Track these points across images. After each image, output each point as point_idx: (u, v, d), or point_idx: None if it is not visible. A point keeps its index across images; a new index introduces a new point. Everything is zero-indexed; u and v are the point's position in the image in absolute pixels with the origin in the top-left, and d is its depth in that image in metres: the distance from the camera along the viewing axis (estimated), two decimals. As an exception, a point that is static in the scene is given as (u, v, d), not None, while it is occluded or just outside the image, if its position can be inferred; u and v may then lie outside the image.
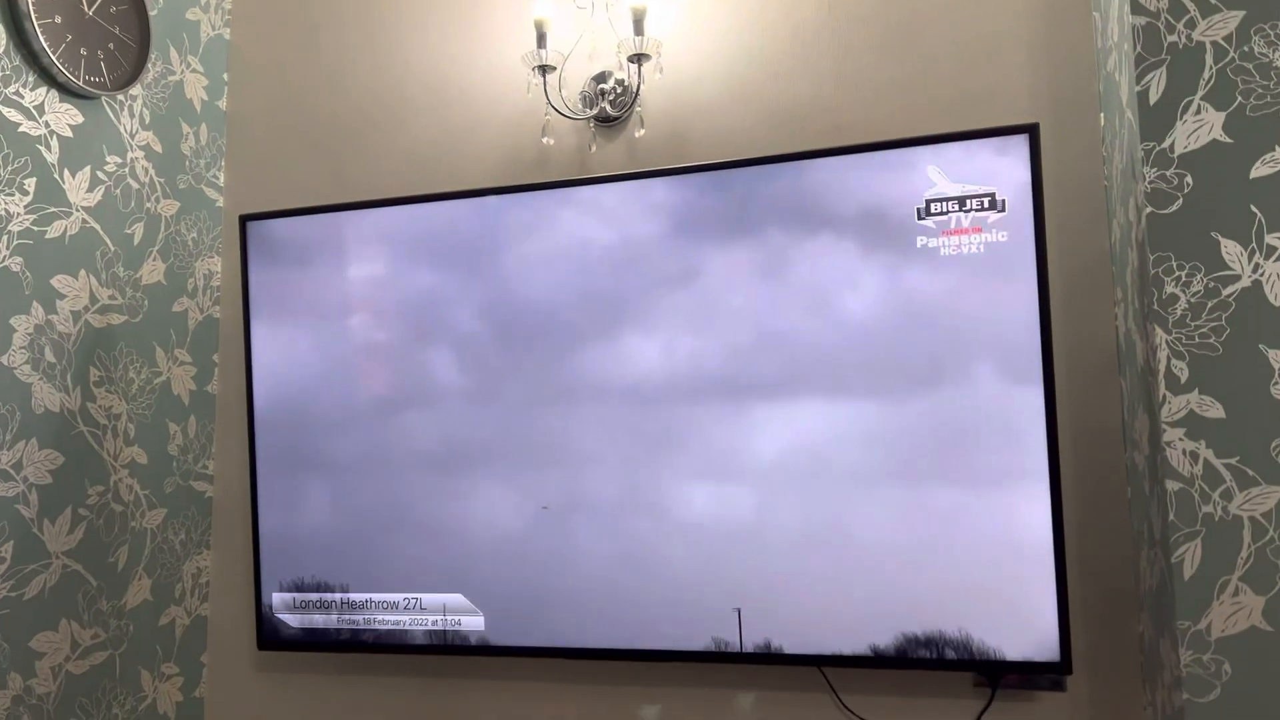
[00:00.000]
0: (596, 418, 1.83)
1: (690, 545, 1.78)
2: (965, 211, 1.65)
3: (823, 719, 1.86)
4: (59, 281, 1.86)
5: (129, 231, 2.00)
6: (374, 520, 1.97)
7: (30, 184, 1.79)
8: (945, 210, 1.66)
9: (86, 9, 1.85)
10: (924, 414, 1.66)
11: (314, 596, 2.01)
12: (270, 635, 2.03)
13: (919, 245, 1.67)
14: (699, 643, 1.78)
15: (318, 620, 2.00)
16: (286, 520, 2.03)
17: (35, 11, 1.74)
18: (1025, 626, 1.61)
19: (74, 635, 1.85)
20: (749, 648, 1.75)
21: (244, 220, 2.05)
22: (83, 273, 1.90)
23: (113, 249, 1.95)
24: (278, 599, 2.03)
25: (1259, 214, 1.35)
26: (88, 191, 1.91)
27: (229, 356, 2.27)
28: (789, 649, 1.73)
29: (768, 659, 1.75)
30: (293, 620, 2.02)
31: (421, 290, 1.95)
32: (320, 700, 2.16)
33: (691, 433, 1.78)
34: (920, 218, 1.67)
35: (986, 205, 1.64)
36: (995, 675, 1.74)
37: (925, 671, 1.76)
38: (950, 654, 1.65)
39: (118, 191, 1.98)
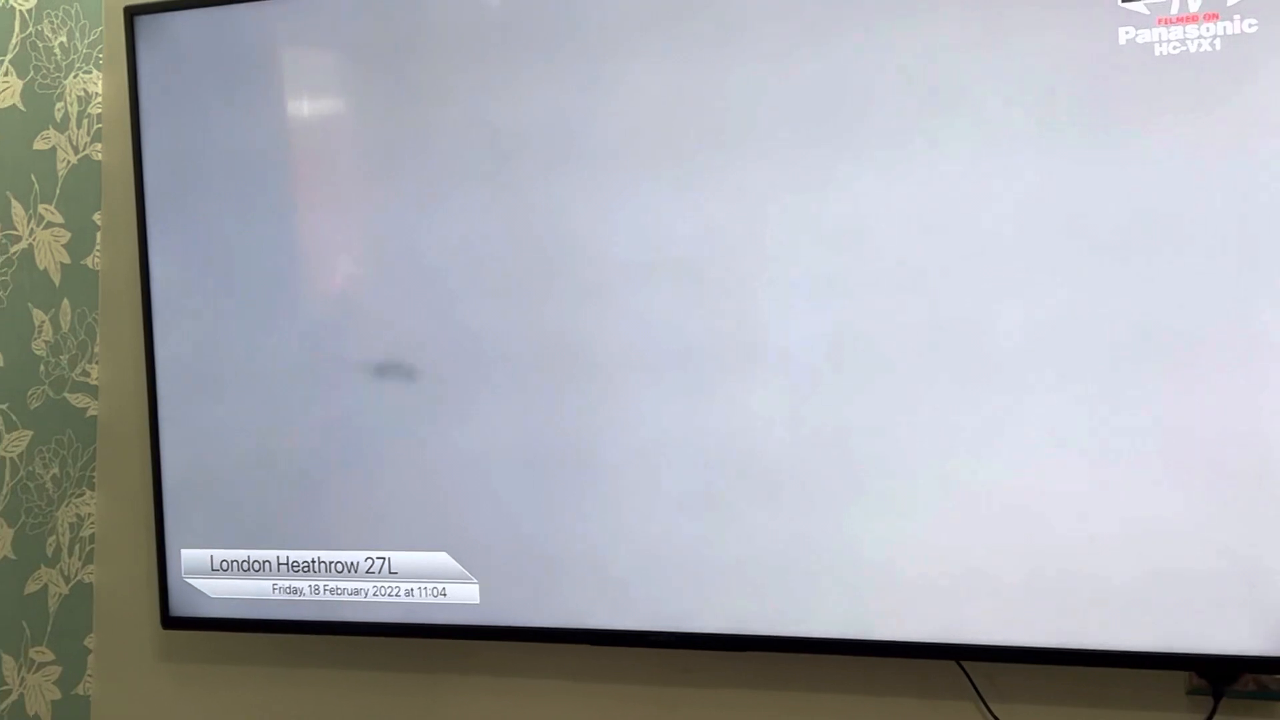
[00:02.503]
0: (634, 305, 1.82)
1: (766, 490, 1.78)
2: None
3: None
4: None
5: (-33, 33, 1.97)
6: (323, 449, 1.98)
7: None
8: (1164, -13, 1.60)
9: None
10: (1120, 304, 1.63)
11: (240, 555, 2.02)
12: (180, 610, 2.06)
13: (1122, 41, 1.62)
14: (778, 625, 1.79)
15: (246, 589, 2.02)
16: (201, 449, 2.04)
17: None
18: (1264, 608, 1.59)
19: (-99, 604, 1.87)
20: (851, 634, 1.76)
21: (131, 13, 2.02)
22: (-98, 90, 1.88)
23: (-56, 58, 1.93)
24: (189, 559, 2.05)
25: None
26: (-94, -28, 1.89)
27: (116, 218, 2.26)
28: (913, 636, 1.73)
29: (881, 649, 1.75)
30: (210, 589, 2.04)
31: (388, 113, 1.93)
32: (250, 700, 2.19)
33: (772, 327, 1.77)
34: None
35: (1226, -21, 1.58)
36: (1219, 677, 1.72)
37: (1115, 671, 1.75)
38: (1151, 645, 1.64)
39: (-50, -26, 1.95)
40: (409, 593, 1.95)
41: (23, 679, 2.11)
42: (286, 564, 2.01)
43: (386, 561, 1.96)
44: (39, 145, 2.13)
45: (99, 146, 2.27)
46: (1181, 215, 1.60)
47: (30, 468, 2.11)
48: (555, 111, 1.84)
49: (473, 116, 1.88)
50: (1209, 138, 1.58)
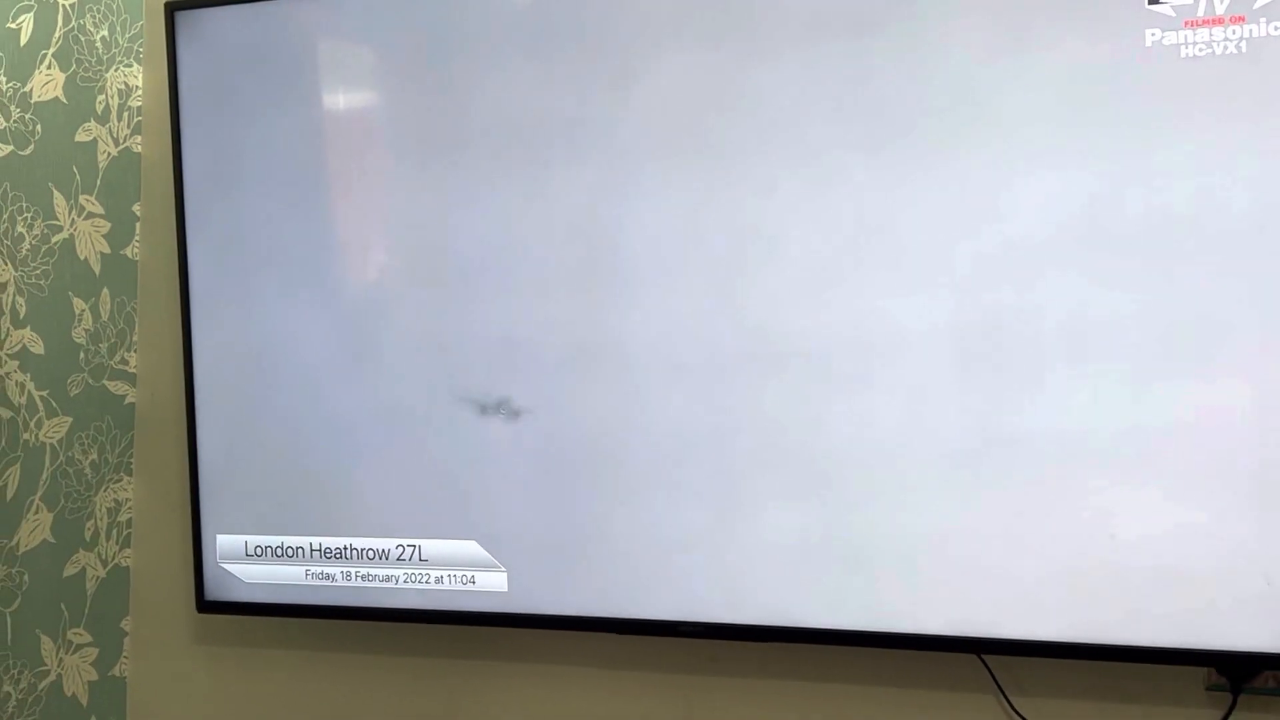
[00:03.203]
0: (660, 301, 1.83)
1: (789, 485, 1.78)
2: None
3: None
4: (-83, 94, 1.84)
5: (13, 26, 1.99)
6: (356, 438, 1.99)
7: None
8: (1191, -11, 1.59)
9: None
10: (1138, 284, 1.63)
11: (274, 541, 2.04)
12: (214, 594, 2.07)
13: (1148, 43, 1.61)
14: (802, 617, 1.79)
15: (279, 574, 2.04)
16: (237, 437, 2.06)
17: None
18: None
19: (-54, 585, 1.88)
20: (873, 626, 1.77)
21: (171, 9, 2.03)
22: (-51, 83, 1.90)
23: (-10, 50, 1.95)
24: (224, 544, 2.06)
25: None
26: (-47, -31, 1.89)
27: (155, 209, 2.27)
28: (935, 629, 1.73)
29: (903, 642, 1.76)
30: (244, 574, 2.06)
31: (421, 108, 1.94)
32: (282, 683, 2.21)
33: (794, 325, 1.77)
34: (1152, 1, 1.61)
35: (1253, -19, 1.57)
36: (1238, 673, 1.72)
37: (1134, 666, 1.74)
38: (1172, 641, 1.63)
39: (-4, -31, 1.96)
40: (438, 580, 1.96)
41: (61, 660, 2.12)
42: (319, 550, 2.02)
43: (417, 549, 1.97)
44: (80, 137, 2.14)
45: (139, 139, 2.29)
46: (1206, 217, 1.59)
47: (70, 453, 2.13)
48: (584, 107, 1.84)
49: (504, 111, 1.88)
50: (1234, 140, 1.58)
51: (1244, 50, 1.57)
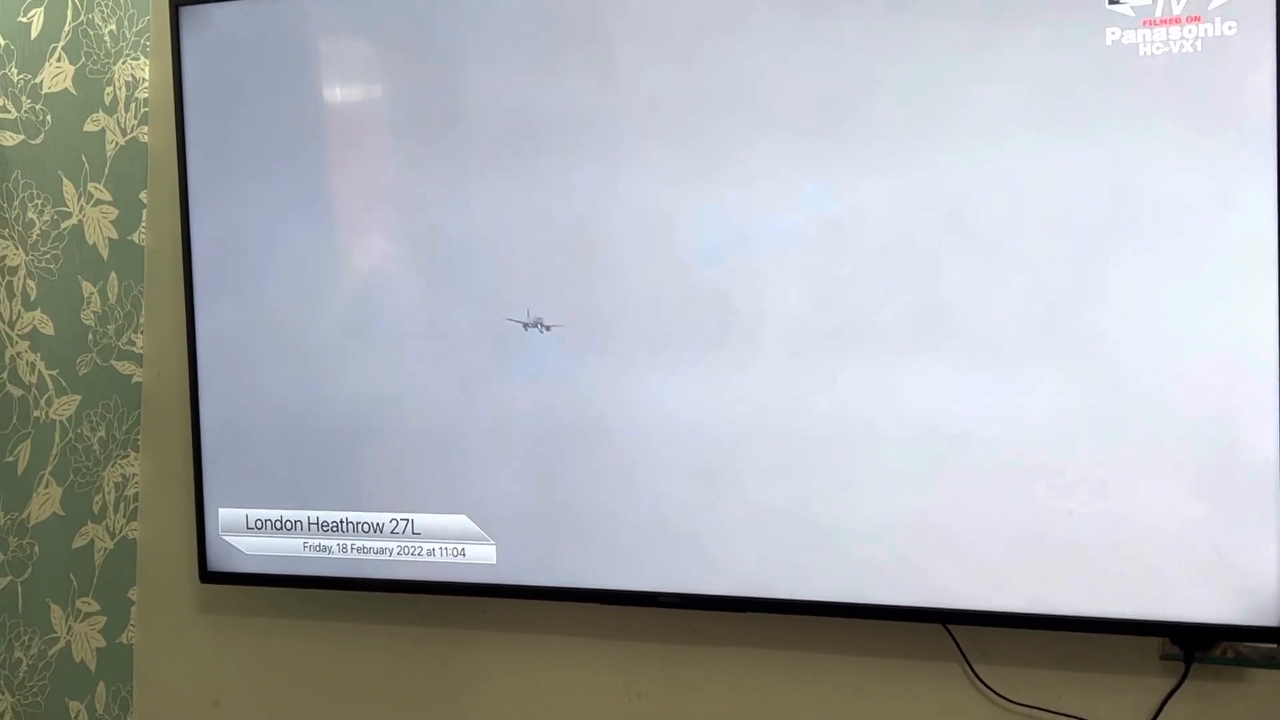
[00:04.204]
0: (642, 286, 1.84)
1: (767, 462, 1.80)
2: None
3: (950, 695, 1.89)
4: (-69, 85, 1.83)
5: (24, 20, 2.00)
6: (352, 416, 1.99)
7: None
8: (1149, -11, 1.59)
9: None
10: (1100, 277, 1.64)
11: (273, 515, 2.05)
12: (216, 565, 2.08)
13: (1109, 41, 1.62)
14: (778, 588, 1.81)
15: (278, 546, 2.05)
16: (238, 415, 2.06)
17: None
18: (1234, 579, 1.61)
19: (-40, 556, 1.88)
20: (845, 597, 1.78)
21: (176, 4, 2.03)
22: (-39, 73, 1.92)
23: (3, 43, 1.95)
24: (226, 517, 2.07)
25: None
26: (-34, -36, 1.88)
27: (161, 196, 2.28)
28: (903, 600, 1.75)
29: (873, 612, 1.77)
30: (245, 546, 2.07)
31: (417, 101, 1.94)
32: (280, 650, 2.23)
33: (772, 310, 1.79)
34: (1112, 1, 1.62)
35: (1210, -18, 1.57)
36: (1191, 644, 1.74)
37: (1092, 636, 1.75)
38: (1128, 612, 1.65)
39: (8, -35, 1.96)
40: (430, 552, 1.97)
41: (70, 628, 2.14)
42: (316, 524, 2.03)
43: (410, 523, 1.98)
44: (89, 127, 2.15)
45: (145, 129, 2.29)
46: (1165, 209, 1.61)
47: (78, 430, 2.14)
48: (573, 101, 1.84)
49: (496, 104, 1.88)
50: (1190, 135, 1.59)
51: (1200, 49, 1.58)
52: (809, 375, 1.76)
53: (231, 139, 2.03)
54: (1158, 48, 1.60)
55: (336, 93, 2.00)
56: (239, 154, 2.03)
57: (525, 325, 1.87)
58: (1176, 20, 1.60)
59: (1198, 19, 1.58)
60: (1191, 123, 1.59)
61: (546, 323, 1.86)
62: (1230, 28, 1.57)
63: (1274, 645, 1.69)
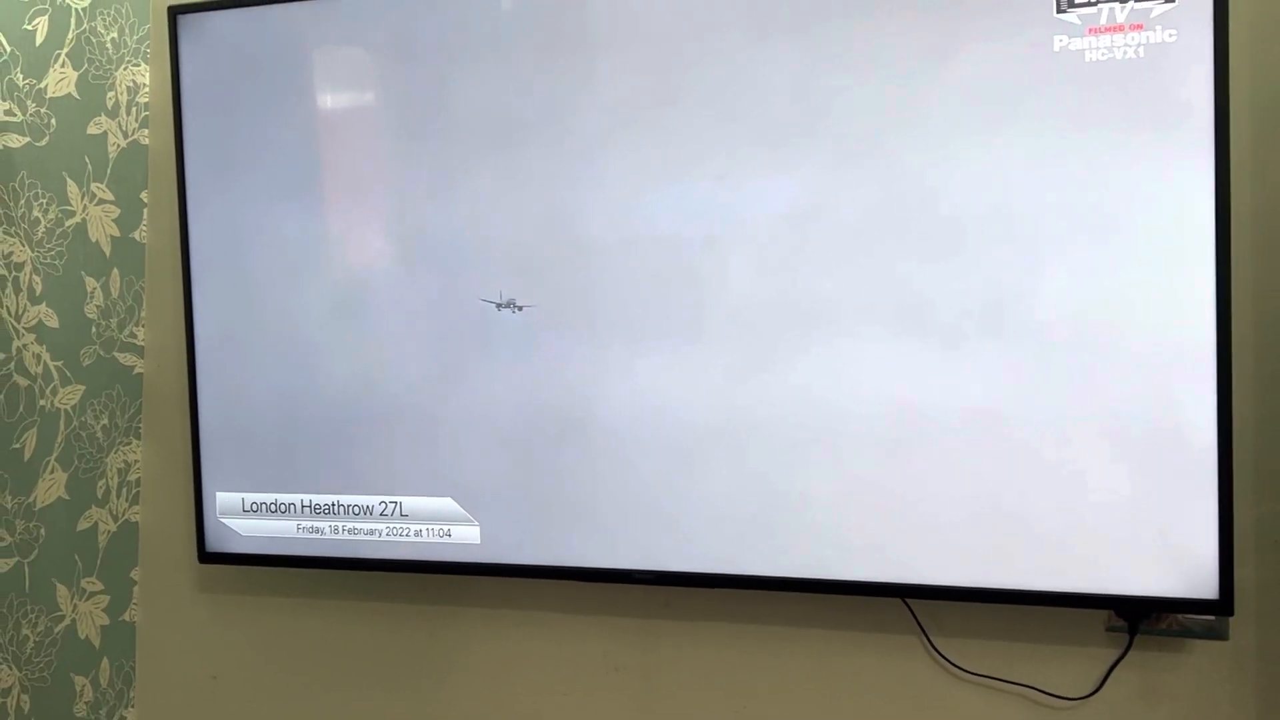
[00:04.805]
0: (620, 279, 1.86)
1: (737, 447, 1.81)
2: (1121, 1, 1.61)
3: (908, 665, 1.91)
4: (-59, 89, 1.84)
5: (29, 28, 2.00)
6: (345, 404, 2.01)
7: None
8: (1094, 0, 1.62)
9: None
10: (1050, 269, 1.66)
11: (268, 498, 2.07)
12: (214, 546, 2.11)
13: (1057, 48, 1.64)
14: (747, 565, 1.82)
15: (273, 528, 2.07)
16: (234, 404, 2.08)
17: None
18: (1176, 554, 1.62)
19: (-30, 537, 1.90)
20: (811, 574, 1.79)
21: (174, 12, 2.05)
22: (-31, 79, 1.93)
23: (8, 49, 1.96)
24: (223, 500, 2.09)
25: None
26: (-26, -26, 1.90)
27: (161, 196, 2.29)
28: (865, 576, 1.77)
29: (838, 587, 1.78)
30: (242, 528, 2.09)
31: (417, 103, 1.95)
32: (275, 627, 2.24)
33: (741, 302, 1.80)
34: (1061, 9, 1.64)
35: (1151, -8, 1.59)
36: (1134, 616, 1.75)
37: (1042, 608, 1.76)
38: (1076, 587, 1.67)
39: (13, -25, 1.97)
40: (417, 533, 1.98)
41: (75, 606, 2.15)
42: (309, 506, 2.04)
43: (398, 505, 1.99)
44: (92, 130, 2.16)
45: (146, 132, 2.30)
46: (1110, 204, 1.62)
47: (82, 419, 2.15)
48: (552, 101, 1.86)
49: (482, 107, 1.90)
50: (1133, 135, 1.61)
51: (1142, 55, 1.61)
52: (776, 361, 1.77)
53: (227, 141, 2.05)
54: (1102, 54, 1.62)
55: (327, 96, 2.01)
56: (234, 155, 2.04)
57: (498, 306, 1.89)
58: (1120, 28, 1.62)
59: (1140, 27, 1.61)
60: (1134, 123, 1.61)
61: (519, 303, 1.88)
62: (1171, 35, 1.59)
63: (1213, 617, 1.72)
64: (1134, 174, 1.61)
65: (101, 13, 2.16)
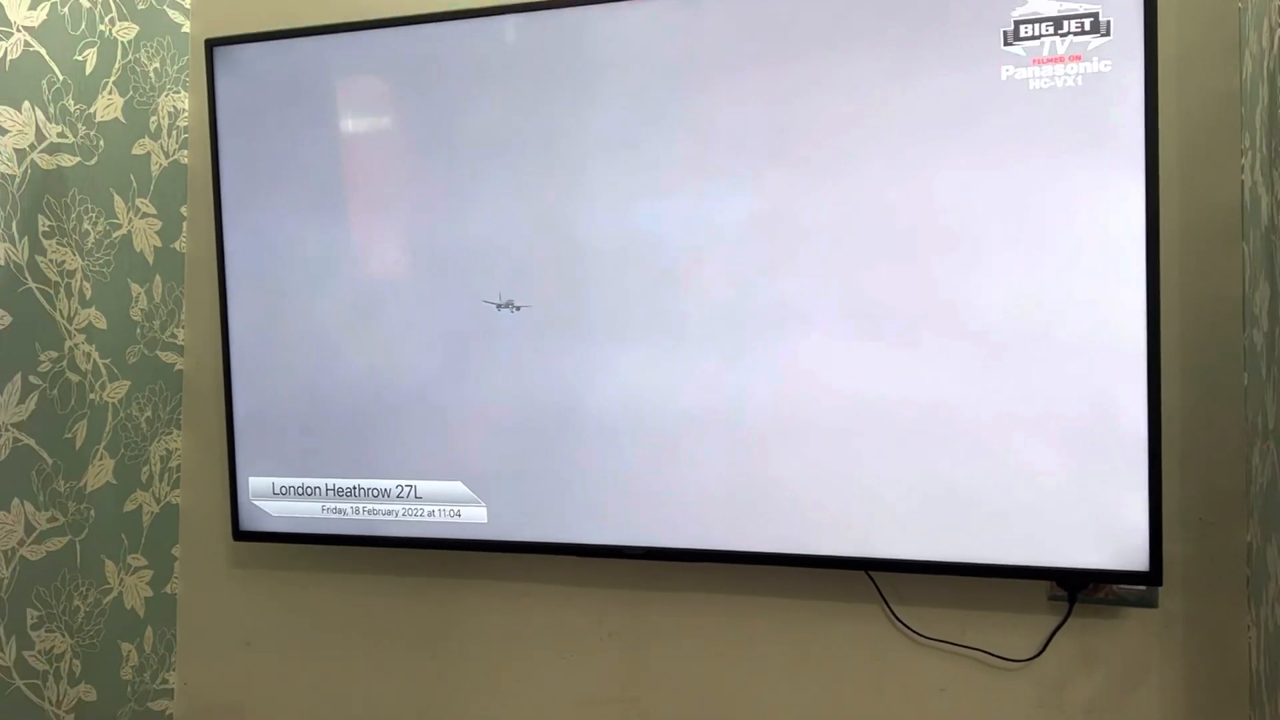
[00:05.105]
0: (613, 284, 1.88)
1: (718, 433, 1.83)
2: (1062, 35, 1.64)
3: (871, 631, 1.93)
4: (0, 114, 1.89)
5: (80, 59, 2.05)
6: (364, 397, 2.03)
7: (-40, -1, 1.85)
8: (1038, 34, 1.65)
9: None
10: (998, 274, 1.69)
11: (295, 482, 2.10)
12: (248, 526, 2.14)
13: (1004, 77, 1.68)
14: (727, 541, 1.85)
15: (300, 509, 2.10)
16: (265, 397, 2.11)
17: None
18: (1110, 530, 1.65)
19: (28, 517, 1.94)
20: (784, 549, 1.82)
21: (210, 45, 2.09)
22: (26, 104, 1.93)
23: (61, 78, 2.00)
24: (255, 484, 2.13)
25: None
26: (30, 9, 1.92)
27: (199, 210, 2.32)
28: (833, 551, 1.79)
29: (808, 561, 1.81)
30: (272, 509, 2.12)
31: (428, 126, 1.97)
32: (303, 598, 2.28)
33: (719, 303, 1.84)
34: (1008, 42, 1.67)
35: (1088, 28, 1.63)
36: (1074, 586, 1.78)
37: (991, 580, 1.79)
38: (1021, 560, 1.70)
39: (65, 10, 2.00)
40: (430, 514, 2.01)
41: (121, 580, 2.20)
42: (333, 489, 2.07)
43: (413, 488, 2.02)
44: (136, 151, 2.21)
45: (185, 152, 2.34)
46: (1050, 215, 1.65)
47: (128, 411, 2.20)
48: (551, 124, 1.89)
49: (486, 129, 1.93)
50: (1072, 154, 1.64)
51: (1081, 84, 1.64)
52: (751, 358, 1.80)
53: (259, 160, 2.08)
54: (1045, 82, 1.66)
55: (348, 119, 2.04)
56: (265, 173, 2.07)
57: (499, 306, 1.91)
58: (1061, 59, 1.65)
59: (1079, 58, 1.64)
60: (1074, 144, 1.64)
61: (517, 304, 1.90)
62: (1106, 65, 1.63)
63: (1144, 587, 1.75)
64: (1073, 188, 1.64)
65: (145, 45, 2.21)
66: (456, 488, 1.99)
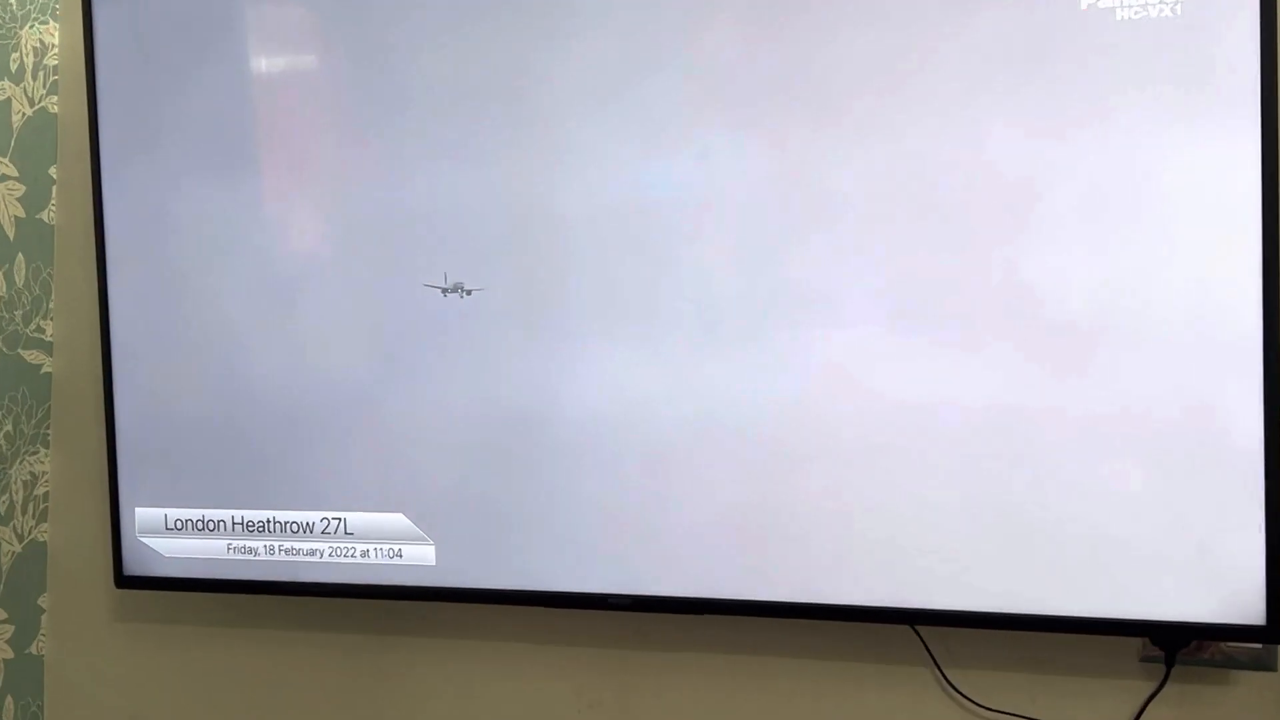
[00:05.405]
0: (594, 263, 1.85)
1: (724, 453, 1.81)
2: None
3: (919, 701, 1.91)
4: None
5: (-84, -21, 1.99)
6: (281, 406, 2.00)
7: None
8: (1126, -48, 1.63)
9: None
10: (1076, 252, 1.66)
11: (194, 514, 2.05)
12: (133, 569, 2.09)
13: (1084, 5, 1.64)
14: (736, 589, 1.82)
15: (200, 548, 2.05)
16: (157, 407, 2.07)
17: None
18: (1218, 573, 1.62)
19: None
20: (808, 597, 1.79)
21: (88, -35, 2.03)
22: None
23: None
24: (143, 517, 2.07)
25: None
26: None
27: (72, 172, 2.27)
28: (868, 600, 1.76)
29: (839, 613, 1.78)
30: (164, 548, 2.07)
31: (361, 66, 1.94)
32: (203, 660, 2.23)
33: (729, 286, 1.80)
34: None
35: (1190, -59, 1.60)
36: (1172, 644, 1.75)
37: (1067, 637, 1.77)
38: (1105, 611, 1.67)
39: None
40: (364, 554, 1.98)
41: (-27, 637, 2.13)
42: (241, 523, 2.03)
43: (342, 522, 1.98)
44: (-7, 97, 2.15)
45: (54, 99, 2.28)
46: (1143, 183, 1.62)
47: (-18, 425, 2.14)
48: (512, 69, 1.86)
49: (432, 73, 1.90)
50: (1170, 102, 1.61)
51: (1179, 13, 1.61)
52: (766, 355, 1.78)
53: (149, 110, 2.03)
54: (1135, 11, 1.62)
55: (261, 59, 2.00)
56: (156, 125, 2.03)
57: (445, 290, 1.89)
58: None
59: None
60: (1170, 88, 1.61)
61: (468, 287, 1.88)
62: None
63: (1260, 645, 1.72)
64: (1169, 144, 1.61)
65: (2, -38, 2.15)
66: (397, 521, 1.96)
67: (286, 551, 2.01)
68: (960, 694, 1.88)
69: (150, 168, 2.04)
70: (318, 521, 2.00)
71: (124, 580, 2.10)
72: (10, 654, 2.21)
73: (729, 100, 1.78)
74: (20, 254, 2.22)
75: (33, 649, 2.27)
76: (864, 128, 1.72)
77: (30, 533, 2.26)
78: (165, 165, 2.03)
